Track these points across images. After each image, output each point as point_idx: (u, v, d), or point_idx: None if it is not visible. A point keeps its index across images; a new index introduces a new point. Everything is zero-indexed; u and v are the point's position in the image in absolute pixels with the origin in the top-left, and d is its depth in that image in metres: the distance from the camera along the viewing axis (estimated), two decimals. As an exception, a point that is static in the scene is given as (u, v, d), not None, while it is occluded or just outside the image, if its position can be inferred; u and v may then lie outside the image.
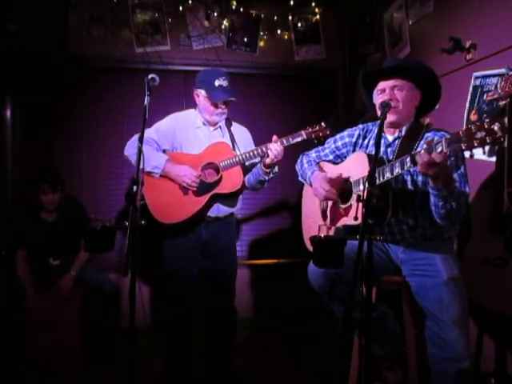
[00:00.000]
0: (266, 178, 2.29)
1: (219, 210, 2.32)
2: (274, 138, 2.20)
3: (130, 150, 2.29)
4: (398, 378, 2.13)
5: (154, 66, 3.39)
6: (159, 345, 2.43)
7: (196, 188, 2.23)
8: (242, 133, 2.47)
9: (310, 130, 2.23)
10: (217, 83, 2.23)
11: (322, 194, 1.99)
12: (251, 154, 2.24)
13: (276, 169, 2.30)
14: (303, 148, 2.32)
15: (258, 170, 2.29)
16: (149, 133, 2.27)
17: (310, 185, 2.10)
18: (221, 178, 2.25)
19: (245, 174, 2.35)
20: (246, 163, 2.34)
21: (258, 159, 2.34)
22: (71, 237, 2.86)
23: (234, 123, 2.46)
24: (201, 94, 2.30)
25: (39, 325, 2.63)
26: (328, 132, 2.22)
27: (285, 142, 2.20)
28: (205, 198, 2.23)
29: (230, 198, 2.32)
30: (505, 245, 1.93)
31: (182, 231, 2.28)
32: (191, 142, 2.33)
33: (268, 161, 2.19)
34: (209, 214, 2.29)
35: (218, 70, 2.36)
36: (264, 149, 2.20)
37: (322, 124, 2.24)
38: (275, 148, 2.16)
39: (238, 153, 2.30)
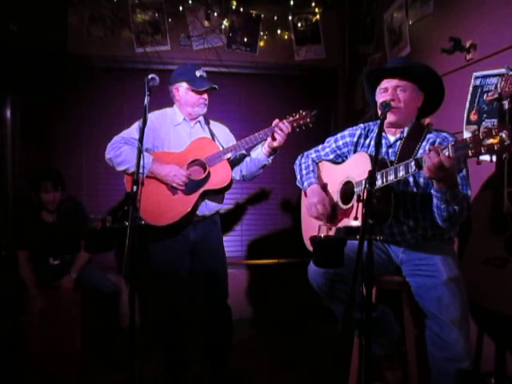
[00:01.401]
0: (270, 160, 2.30)
1: (207, 208, 2.29)
2: (276, 121, 2.19)
3: (112, 152, 2.24)
4: (398, 378, 2.12)
5: (154, 66, 3.40)
6: (156, 345, 2.42)
7: (185, 187, 2.21)
8: (221, 129, 2.47)
9: (291, 118, 2.22)
10: (198, 74, 2.28)
11: (313, 214, 2.00)
12: (252, 139, 2.21)
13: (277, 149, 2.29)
14: (303, 148, 2.33)
15: (261, 154, 2.27)
16: (129, 133, 2.26)
17: (305, 194, 2.10)
18: (209, 174, 2.22)
19: (231, 168, 2.32)
20: (237, 155, 2.34)
21: (243, 152, 2.35)
22: (71, 237, 2.86)
23: (211, 121, 2.46)
24: (181, 88, 2.30)
25: (39, 325, 2.63)
26: (308, 120, 2.21)
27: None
28: (195, 196, 2.20)
29: (218, 194, 2.31)
30: (505, 245, 1.93)
31: (170, 233, 2.24)
32: (173, 140, 2.30)
33: (276, 144, 2.18)
34: (196, 212, 2.26)
35: (194, 63, 2.54)
36: (271, 130, 2.17)
37: (302, 112, 2.23)
38: (283, 127, 2.14)
39: (221, 148, 2.29)
